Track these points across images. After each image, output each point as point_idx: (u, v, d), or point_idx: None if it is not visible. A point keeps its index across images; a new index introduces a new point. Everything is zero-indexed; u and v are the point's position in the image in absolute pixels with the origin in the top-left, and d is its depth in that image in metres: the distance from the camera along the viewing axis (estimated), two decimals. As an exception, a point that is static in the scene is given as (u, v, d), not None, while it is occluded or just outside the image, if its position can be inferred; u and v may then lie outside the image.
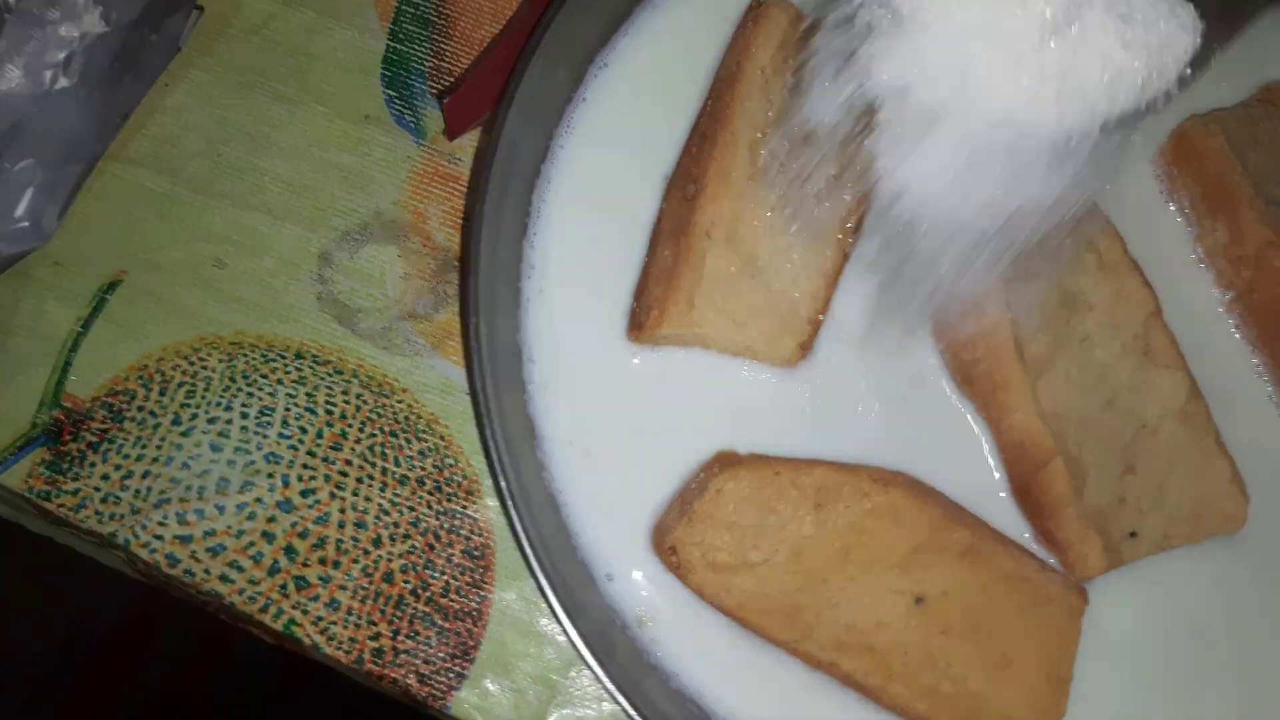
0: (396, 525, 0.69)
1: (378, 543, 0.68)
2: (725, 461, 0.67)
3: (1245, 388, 0.74)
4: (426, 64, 0.77)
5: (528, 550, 0.61)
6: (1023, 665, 0.66)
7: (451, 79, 0.77)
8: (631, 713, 0.61)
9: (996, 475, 0.70)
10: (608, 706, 0.68)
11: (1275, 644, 0.70)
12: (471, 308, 0.63)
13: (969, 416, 0.71)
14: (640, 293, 0.70)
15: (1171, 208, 0.76)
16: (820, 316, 0.70)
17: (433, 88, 0.77)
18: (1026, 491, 0.69)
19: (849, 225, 0.70)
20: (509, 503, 0.61)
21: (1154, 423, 0.68)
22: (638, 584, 0.67)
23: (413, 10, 0.77)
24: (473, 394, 0.62)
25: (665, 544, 0.65)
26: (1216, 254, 0.75)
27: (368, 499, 0.69)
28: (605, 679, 0.61)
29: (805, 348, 0.70)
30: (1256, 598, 0.70)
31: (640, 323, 0.69)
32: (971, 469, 0.71)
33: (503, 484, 0.62)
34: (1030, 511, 0.69)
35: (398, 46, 0.77)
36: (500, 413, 0.64)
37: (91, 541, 0.70)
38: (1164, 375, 0.68)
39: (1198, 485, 0.68)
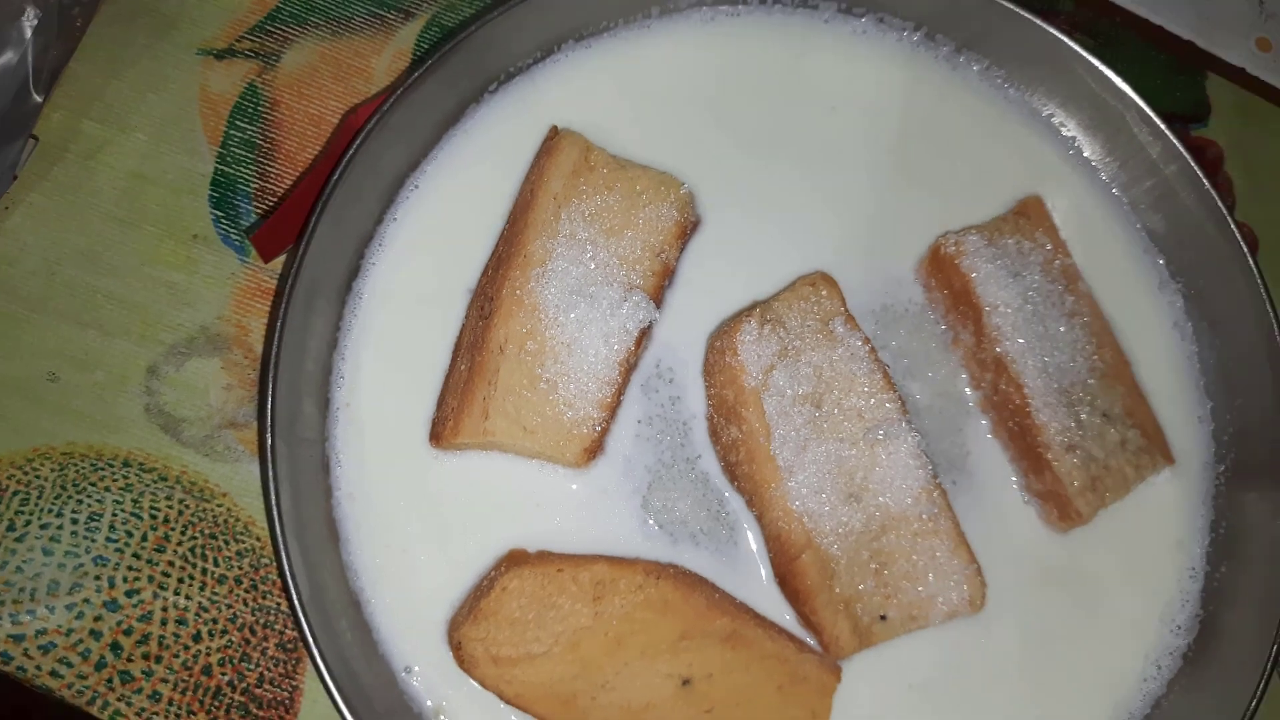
0: (215, 621, 0.75)
1: (198, 638, 0.75)
2: (514, 560, 0.74)
3: (994, 477, 0.83)
4: (252, 185, 0.83)
5: (315, 652, 0.67)
6: (779, 739, 0.74)
7: (275, 199, 0.83)
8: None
9: (763, 562, 0.78)
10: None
11: (1011, 712, 0.78)
12: (269, 428, 0.70)
13: (742, 509, 0.79)
14: (440, 403, 0.77)
15: (932, 315, 0.85)
16: (605, 425, 0.77)
17: (258, 208, 0.83)
18: (785, 580, 0.76)
19: (636, 342, 0.77)
20: (299, 612, 0.68)
21: (898, 515, 0.76)
22: (434, 677, 0.74)
23: (240, 135, 0.84)
24: (266, 509, 0.69)
25: (453, 640, 0.72)
26: (968, 356, 0.83)
27: (188, 597, 0.75)
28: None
29: (592, 451, 0.77)
30: (997, 672, 0.79)
31: (439, 433, 0.76)
32: (744, 557, 0.78)
33: (294, 595, 0.68)
34: (790, 597, 0.77)
35: (225, 169, 0.83)
36: (296, 528, 0.70)
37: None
38: (904, 472, 0.76)
39: (941, 572, 0.76)
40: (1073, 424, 0.79)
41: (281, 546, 0.68)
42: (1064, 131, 0.91)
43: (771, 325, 0.76)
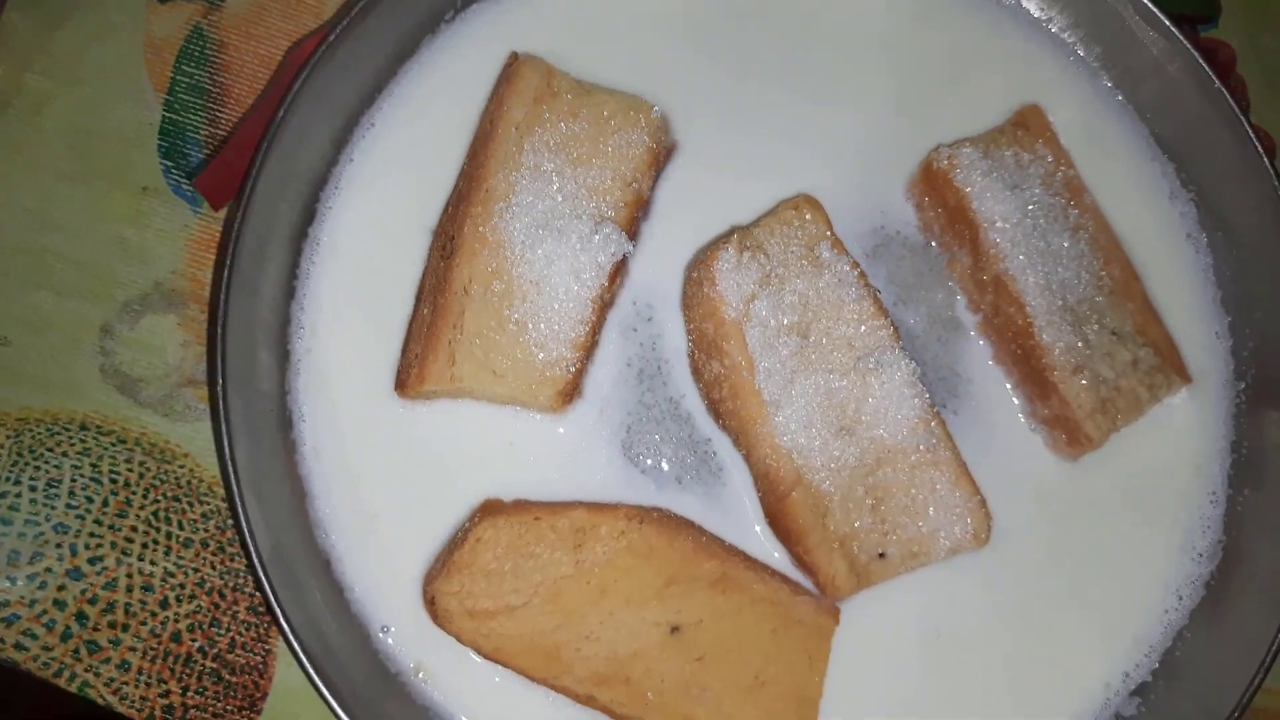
0: (183, 587, 0.72)
1: (165, 604, 0.72)
2: (489, 510, 0.71)
3: (998, 405, 0.78)
4: (201, 132, 0.79)
5: (281, 619, 0.64)
6: (774, 686, 0.70)
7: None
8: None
9: (753, 502, 0.74)
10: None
11: (1022, 651, 0.74)
12: (219, 378, 0.66)
13: (728, 448, 0.75)
14: (405, 350, 0.74)
15: (925, 237, 0.80)
16: (580, 365, 0.73)
17: (209, 155, 0.79)
18: (776, 519, 0.72)
19: (609, 277, 0.73)
20: (260, 572, 0.64)
21: (894, 447, 0.72)
22: (412, 636, 0.70)
23: (187, 80, 0.80)
24: (220, 464, 0.65)
25: (427, 595, 0.68)
26: (965, 279, 0.78)
27: (154, 563, 0.72)
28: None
29: (567, 394, 0.73)
30: (1003, 609, 0.74)
31: (404, 381, 0.72)
32: (732, 498, 0.74)
33: (254, 555, 0.64)
34: (781, 537, 0.73)
35: (173, 117, 0.79)
36: (257, 482, 0.67)
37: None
38: (899, 401, 0.71)
39: (942, 506, 0.72)
40: (1079, 343, 0.74)
41: (239, 503, 0.64)
42: (1062, 36, 0.85)
43: (751, 252, 0.71)
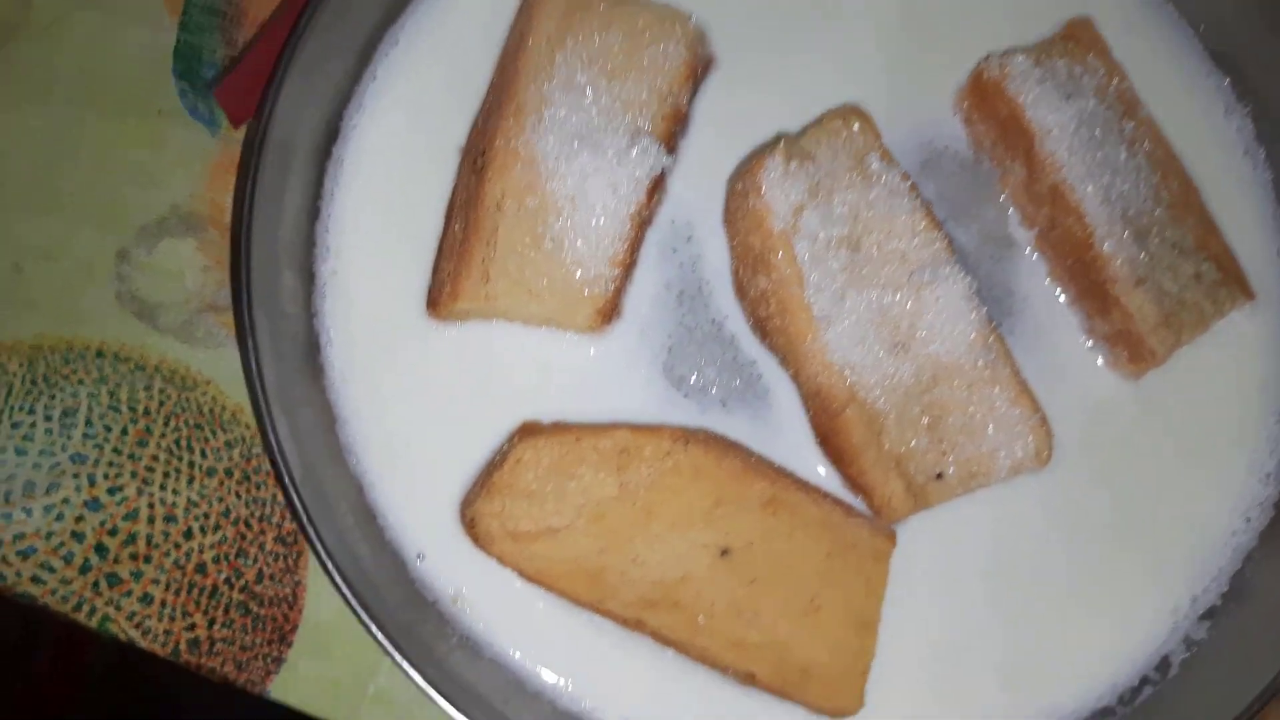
0: (207, 517, 0.69)
1: (189, 535, 0.69)
2: (528, 431, 0.68)
3: (1056, 323, 0.74)
4: (218, 54, 0.76)
5: (317, 545, 0.61)
6: (830, 610, 0.66)
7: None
8: (430, 692, 0.61)
9: (803, 424, 0.71)
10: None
11: (1085, 575, 0.71)
12: (244, 304, 0.63)
13: (775, 369, 0.72)
14: (436, 268, 0.70)
15: (975, 152, 0.77)
16: (619, 283, 0.70)
17: (228, 68, 0.76)
18: (828, 439, 0.69)
19: (648, 192, 0.69)
20: (295, 502, 0.61)
21: (951, 364, 0.68)
22: (449, 561, 0.67)
23: (201, 0, 0.77)
24: (250, 393, 0.62)
25: (466, 517, 0.65)
26: (1019, 193, 0.75)
27: (176, 493, 0.69)
28: (402, 662, 0.60)
29: (607, 313, 0.70)
30: (1064, 531, 0.71)
31: (436, 299, 0.69)
32: (780, 419, 0.71)
33: (285, 475, 0.61)
34: (834, 458, 0.70)
35: (188, 38, 0.76)
36: (286, 405, 0.64)
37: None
38: (956, 316, 0.68)
39: (1001, 424, 0.68)
40: (1142, 255, 0.71)
41: (267, 422, 0.61)
42: (1111, -58, 0.82)
43: (799, 160, 0.68)
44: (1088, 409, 0.73)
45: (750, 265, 0.69)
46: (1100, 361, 0.74)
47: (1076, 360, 0.74)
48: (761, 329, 0.71)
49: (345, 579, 0.60)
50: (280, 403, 0.63)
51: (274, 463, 0.61)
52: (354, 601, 0.60)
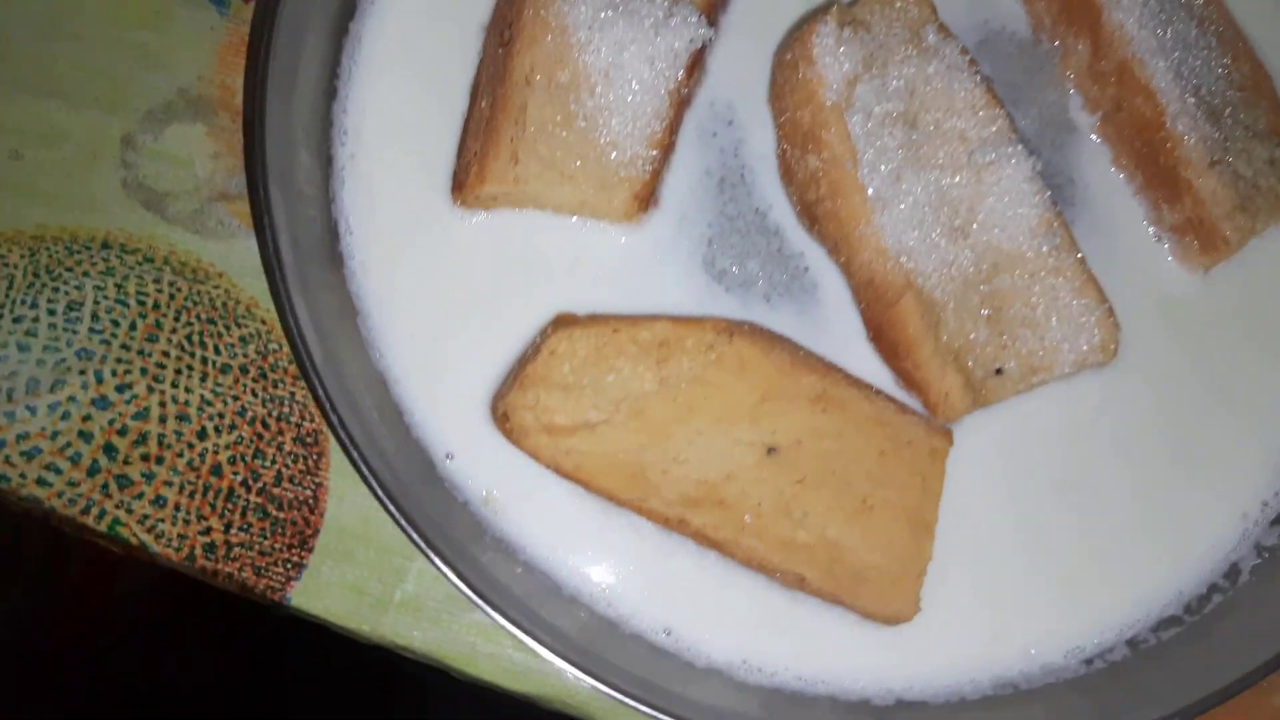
0: (221, 416, 0.65)
1: (202, 435, 0.65)
2: (562, 323, 0.63)
3: (1120, 212, 0.70)
4: (226, -74, 0.71)
5: (342, 434, 0.57)
6: (884, 511, 0.62)
7: (255, -61, 0.71)
8: (467, 592, 0.57)
9: (854, 318, 0.67)
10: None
11: (1150, 478, 0.67)
12: (259, 178, 0.58)
13: (823, 260, 0.67)
14: (461, 150, 0.66)
15: (1033, 32, 0.71)
16: (657, 166, 0.65)
17: (235, -54, 0.71)
18: (881, 332, 0.65)
19: (685, 66, 0.65)
20: (317, 387, 0.57)
21: (1012, 252, 0.64)
22: (480, 459, 0.63)
23: None
24: (267, 273, 0.58)
25: (498, 411, 0.61)
26: (1082, 74, 0.70)
27: (189, 390, 0.65)
28: (438, 562, 0.57)
29: (644, 199, 0.65)
30: (1127, 432, 0.67)
31: (461, 182, 0.64)
32: (828, 313, 0.67)
33: (308, 364, 0.57)
34: (887, 353, 0.65)
35: (193, -90, 0.71)
36: (307, 288, 0.59)
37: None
38: (1019, 200, 0.64)
39: (1065, 316, 0.64)
40: (1217, 134, 0.66)
41: (286, 305, 0.57)
42: None
43: (853, 27, 0.63)
44: (1154, 302, 0.69)
45: (799, 144, 0.65)
46: (1168, 253, 0.69)
47: (1142, 251, 0.69)
48: (810, 216, 0.66)
49: (374, 473, 0.57)
50: (300, 290, 0.58)
51: (294, 348, 0.57)
52: (384, 497, 0.56)
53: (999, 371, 0.64)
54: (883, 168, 0.63)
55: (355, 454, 0.56)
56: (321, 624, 0.65)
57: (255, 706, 0.89)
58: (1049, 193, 0.65)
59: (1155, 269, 0.69)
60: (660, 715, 0.58)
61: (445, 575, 0.57)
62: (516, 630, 0.57)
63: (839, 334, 0.67)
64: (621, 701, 0.58)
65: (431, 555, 0.57)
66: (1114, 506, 0.67)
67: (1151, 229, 0.70)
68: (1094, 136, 0.70)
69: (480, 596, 0.57)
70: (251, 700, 0.89)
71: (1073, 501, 0.66)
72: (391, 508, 0.56)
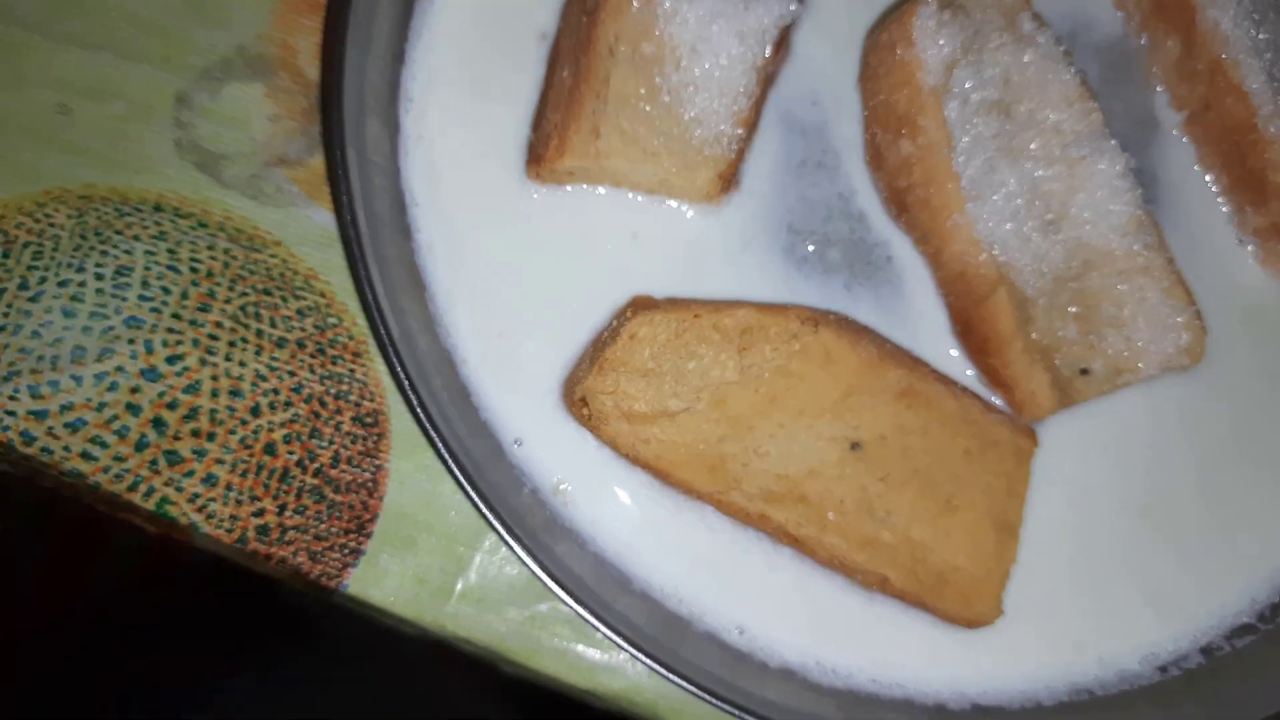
0: (276, 392, 0.62)
1: (256, 411, 0.61)
2: (640, 306, 0.61)
3: (1203, 214, 0.69)
4: (291, -122, 0.68)
5: (417, 405, 0.54)
6: (969, 511, 0.61)
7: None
8: (545, 579, 0.55)
9: (938, 312, 0.65)
10: (517, 575, 0.62)
11: (1234, 482, 0.65)
12: (336, 137, 0.55)
13: (908, 250, 0.65)
14: (538, 122, 0.63)
15: (1123, 28, 0.70)
16: (742, 146, 0.63)
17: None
18: (969, 327, 0.63)
19: (774, 43, 0.62)
20: (393, 355, 0.54)
21: (1103, 249, 0.62)
22: (550, 447, 0.61)
23: None
24: (343, 235, 0.55)
25: (575, 395, 0.59)
26: (1170, 71, 0.69)
27: (242, 364, 0.62)
28: (515, 546, 0.55)
29: (727, 180, 0.63)
30: (1210, 435, 0.66)
31: (539, 155, 0.62)
32: (911, 306, 0.65)
33: (384, 333, 0.54)
34: (974, 349, 0.64)
35: None
36: (379, 257, 0.56)
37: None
38: (1111, 196, 0.62)
39: (1153, 317, 0.62)
40: (1310, 136, 0.65)
41: (362, 270, 0.54)
42: None
43: (951, 11, 0.61)
44: (1235, 306, 0.67)
45: (892, 129, 0.63)
46: (1250, 256, 0.68)
47: (1226, 254, 0.68)
48: (898, 203, 0.64)
49: (454, 455, 0.54)
50: (372, 247, 0.55)
51: (372, 322, 0.54)
52: (463, 480, 0.54)
53: (1085, 371, 0.63)
54: (978, 157, 0.61)
55: (434, 435, 0.53)
56: (376, 613, 0.62)
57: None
58: (1140, 190, 0.63)
59: (1238, 272, 0.68)
60: (740, 714, 0.56)
61: (525, 563, 0.54)
62: (598, 622, 0.54)
63: (920, 327, 0.65)
64: (700, 698, 0.55)
65: (511, 542, 0.54)
66: (1190, 512, 0.65)
67: (1237, 232, 0.68)
68: (1179, 135, 0.69)
69: (561, 586, 0.55)
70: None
71: (1149, 506, 0.65)
72: (471, 492, 0.54)
